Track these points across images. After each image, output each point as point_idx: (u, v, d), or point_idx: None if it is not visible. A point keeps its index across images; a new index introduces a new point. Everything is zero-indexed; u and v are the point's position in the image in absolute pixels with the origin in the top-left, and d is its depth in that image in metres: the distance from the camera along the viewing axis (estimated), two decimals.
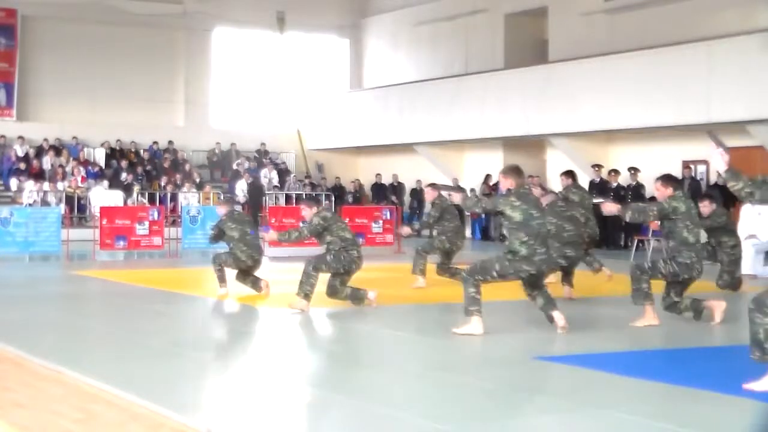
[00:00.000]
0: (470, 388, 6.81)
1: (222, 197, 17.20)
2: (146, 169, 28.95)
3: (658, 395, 6.57)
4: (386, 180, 29.98)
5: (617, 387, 6.87)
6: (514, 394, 6.70)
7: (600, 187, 23.00)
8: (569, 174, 14.16)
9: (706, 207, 12.98)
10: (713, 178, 22.00)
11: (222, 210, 12.71)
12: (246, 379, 7.09)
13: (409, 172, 29.42)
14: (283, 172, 30.80)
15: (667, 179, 9.95)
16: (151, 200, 26.16)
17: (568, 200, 13.35)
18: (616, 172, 22.88)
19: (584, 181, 23.62)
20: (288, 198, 27.62)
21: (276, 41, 32.38)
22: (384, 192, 29.43)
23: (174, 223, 21.70)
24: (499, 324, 10.16)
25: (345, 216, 20.80)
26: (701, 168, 22.63)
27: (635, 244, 19.90)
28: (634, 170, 22.38)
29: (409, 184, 29.34)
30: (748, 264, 15.64)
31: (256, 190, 27.34)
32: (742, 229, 15.97)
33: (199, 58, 31.69)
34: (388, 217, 21.07)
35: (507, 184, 9.21)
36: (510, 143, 27.25)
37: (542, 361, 7.73)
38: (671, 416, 5.93)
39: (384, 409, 6.07)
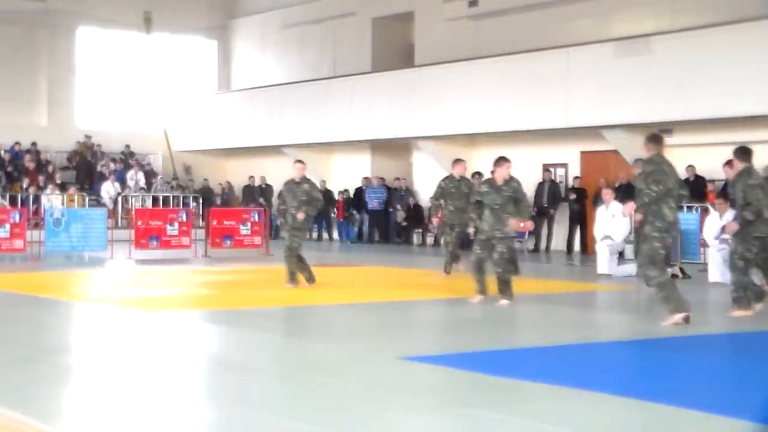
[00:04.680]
0: (336, 388, 6.93)
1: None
2: (7, 171, 28.20)
3: (525, 394, 6.70)
4: (255, 182, 29.92)
5: (484, 386, 6.98)
6: (380, 393, 6.78)
7: None
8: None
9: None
10: (571, 181, 22.82)
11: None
12: (110, 385, 7.10)
13: (278, 174, 29.45)
14: (149, 174, 30.44)
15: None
16: (13, 202, 25.49)
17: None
18: (479, 174, 23.40)
19: None
20: (155, 200, 27.30)
21: (142, 42, 31.96)
22: (253, 194, 29.39)
23: (37, 226, 21.24)
24: (365, 324, 10.39)
25: (213, 218, 20.80)
26: (560, 171, 23.40)
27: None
28: None
29: (277, 186, 29.32)
30: (604, 264, 16.31)
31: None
32: (598, 230, 16.64)
33: (63, 57, 31.00)
34: (257, 219, 21.10)
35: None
36: (377, 145, 27.61)
37: (408, 361, 7.83)
38: (539, 414, 6.06)
39: (250, 411, 6.17)
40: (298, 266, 13.51)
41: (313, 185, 13.95)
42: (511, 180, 11.98)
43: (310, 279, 13.55)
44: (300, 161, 14.41)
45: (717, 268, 14.73)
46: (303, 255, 13.62)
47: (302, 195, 13.51)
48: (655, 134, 10.25)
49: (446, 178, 16.00)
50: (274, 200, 29.27)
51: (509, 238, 12.10)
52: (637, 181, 10.10)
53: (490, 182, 12.08)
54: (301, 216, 13.39)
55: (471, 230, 12.44)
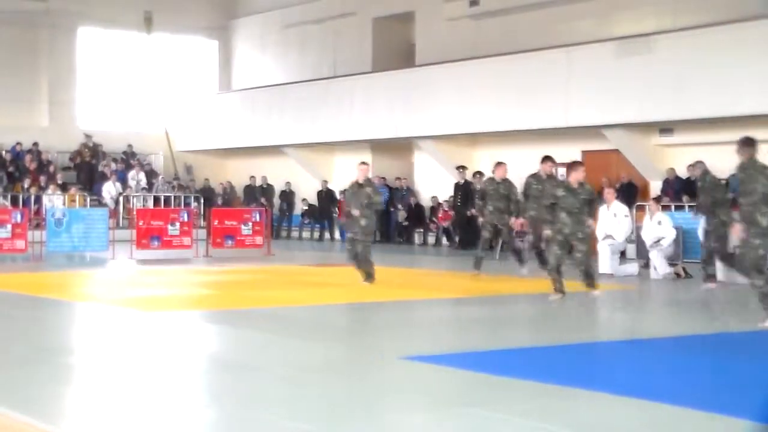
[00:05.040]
0: (337, 388, 6.94)
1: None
2: (8, 171, 28.21)
3: (526, 393, 6.71)
4: (256, 182, 29.94)
5: (484, 385, 6.98)
6: (380, 393, 6.80)
7: (464, 189, 23.56)
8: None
9: None
10: None
11: None
12: (111, 385, 7.11)
13: (279, 173, 29.50)
14: (150, 174, 30.44)
15: None
16: (14, 203, 25.49)
17: None
18: (480, 174, 23.39)
19: (449, 183, 24.21)
20: (156, 200, 27.31)
21: (143, 42, 31.96)
22: (254, 194, 29.41)
23: (38, 226, 21.26)
24: (366, 324, 10.40)
25: (214, 218, 20.79)
26: (561, 170, 23.31)
27: (500, 245, 20.42)
28: None
29: (278, 186, 29.40)
30: (606, 263, 16.30)
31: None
32: (599, 230, 16.62)
33: (64, 57, 31.00)
34: (258, 219, 21.09)
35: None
36: (378, 145, 27.60)
37: (409, 361, 7.83)
38: (538, 414, 6.07)
39: (250, 411, 6.17)
40: (357, 264, 13.95)
41: (375, 188, 14.26)
42: (585, 183, 12.57)
43: (370, 278, 13.96)
44: (364, 163, 14.72)
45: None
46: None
47: (364, 198, 13.82)
48: (747, 138, 10.15)
49: (487, 180, 16.29)
50: (276, 200, 29.34)
51: (588, 238, 12.60)
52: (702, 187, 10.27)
53: (566, 186, 12.49)
54: (356, 213, 13.73)
55: (548, 232, 12.76)
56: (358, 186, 13.98)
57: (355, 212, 13.69)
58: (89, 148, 30.34)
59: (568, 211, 12.17)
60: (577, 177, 12.34)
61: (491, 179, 16.13)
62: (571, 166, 12.65)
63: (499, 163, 16.44)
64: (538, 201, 14.94)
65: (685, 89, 19.47)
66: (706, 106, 19.19)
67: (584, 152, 22.80)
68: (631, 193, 20.76)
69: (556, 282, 12.17)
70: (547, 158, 15.39)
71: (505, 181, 16.07)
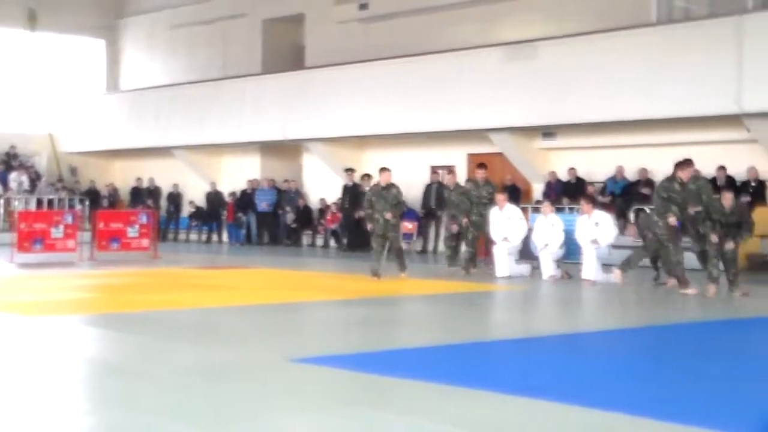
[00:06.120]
0: (225, 391, 6.90)
1: None
2: None
3: (416, 393, 6.72)
4: (143, 184, 29.52)
5: (374, 386, 7.01)
6: (268, 395, 6.76)
7: (352, 191, 23.65)
8: None
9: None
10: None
11: None
12: None
13: (166, 175, 29.15)
14: (33, 176, 29.72)
15: None
16: None
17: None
18: (368, 176, 23.53)
19: (338, 185, 24.30)
20: (39, 202, 26.67)
21: (27, 40, 31.19)
22: (141, 196, 28.99)
23: None
24: (255, 327, 10.38)
25: (100, 220, 20.42)
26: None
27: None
28: None
29: (165, 188, 29.05)
30: (504, 266, 16.42)
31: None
32: (495, 233, 16.73)
33: None
34: (145, 221, 20.80)
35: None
36: (267, 148, 27.54)
37: (298, 363, 7.81)
38: (429, 413, 6.10)
39: (133, 416, 6.11)
40: (395, 256, 15.50)
41: (399, 190, 15.63)
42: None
43: (404, 269, 15.46)
44: (387, 169, 15.89)
45: (591, 266, 15.23)
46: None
47: (393, 199, 15.37)
48: None
49: (471, 184, 17.42)
50: (163, 202, 28.96)
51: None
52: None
53: (680, 182, 13.57)
54: (389, 216, 15.19)
55: (672, 219, 13.50)
56: (383, 189, 15.34)
57: (388, 215, 15.16)
58: None
59: (679, 204, 13.42)
60: (687, 175, 13.55)
61: (476, 183, 17.27)
62: (682, 164, 13.63)
63: (480, 165, 17.73)
64: (478, 207, 16.77)
65: (567, 94, 19.96)
66: (586, 110, 19.71)
67: (470, 155, 23.18)
68: (515, 196, 21.15)
69: (685, 274, 13.41)
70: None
71: (487, 185, 17.28)
